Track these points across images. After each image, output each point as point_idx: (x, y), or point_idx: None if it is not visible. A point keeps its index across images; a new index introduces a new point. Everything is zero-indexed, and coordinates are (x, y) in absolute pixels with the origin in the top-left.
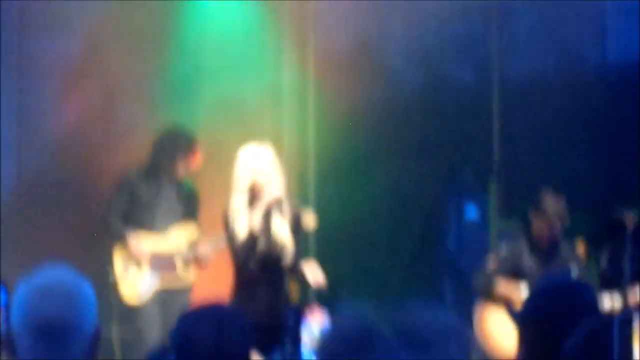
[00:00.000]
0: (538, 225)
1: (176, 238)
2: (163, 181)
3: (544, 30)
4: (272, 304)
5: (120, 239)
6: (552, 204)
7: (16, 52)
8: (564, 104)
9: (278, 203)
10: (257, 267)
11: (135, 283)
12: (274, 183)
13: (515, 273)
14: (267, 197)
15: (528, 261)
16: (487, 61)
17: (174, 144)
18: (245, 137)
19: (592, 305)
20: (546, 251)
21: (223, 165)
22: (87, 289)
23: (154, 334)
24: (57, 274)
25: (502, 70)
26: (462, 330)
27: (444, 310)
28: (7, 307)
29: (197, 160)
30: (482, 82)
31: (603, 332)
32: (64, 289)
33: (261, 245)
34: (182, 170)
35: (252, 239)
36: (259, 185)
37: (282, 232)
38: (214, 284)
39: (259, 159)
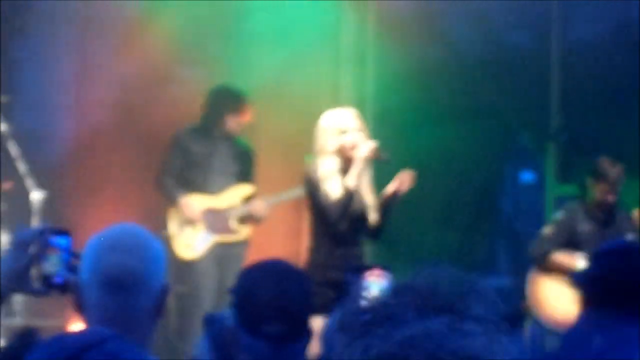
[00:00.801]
0: (595, 191)
1: (230, 195)
2: (215, 139)
3: None
4: (352, 262)
5: (174, 197)
6: (610, 170)
7: (76, 11)
8: (624, 68)
9: (368, 163)
10: (348, 226)
11: (189, 240)
12: (363, 143)
13: (571, 239)
14: (359, 157)
15: (584, 227)
16: (547, 24)
17: (223, 101)
18: (305, 97)
19: None
20: (602, 217)
21: (283, 123)
22: (156, 245)
23: (209, 288)
24: (127, 230)
25: (561, 34)
26: (486, 291)
27: (466, 273)
28: (74, 256)
29: (248, 117)
30: (541, 45)
31: None
32: (133, 243)
33: (355, 204)
34: (233, 126)
35: (348, 198)
36: (349, 146)
37: (370, 192)
38: (270, 241)
39: (346, 121)
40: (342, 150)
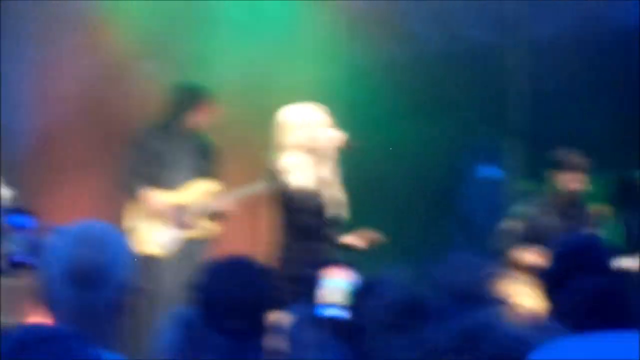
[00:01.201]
0: (558, 182)
1: (192, 191)
2: (176, 136)
3: None
4: (317, 257)
5: (137, 192)
6: (574, 162)
7: (39, 5)
8: (586, 64)
9: (335, 156)
10: (314, 220)
11: (150, 235)
12: (330, 137)
13: (534, 232)
14: (326, 151)
15: (547, 220)
16: (509, 21)
17: (183, 98)
18: (271, 93)
19: (601, 260)
20: (566, 210)
21: (250, 123)
22: (121, 240)
23: (172, 284)
24: (92, 225)
25: (523, 30)
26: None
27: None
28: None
29: (208, 114)
30: (503, 42)
31: (612, 290)
32: (97, 238)
33: (321, 198)
34: (193, 124)
35: (314, 192)
36: (317, 140)
37: (338, 186)
38: (233, 237)
39: (307, 115)
40: (306, 144)
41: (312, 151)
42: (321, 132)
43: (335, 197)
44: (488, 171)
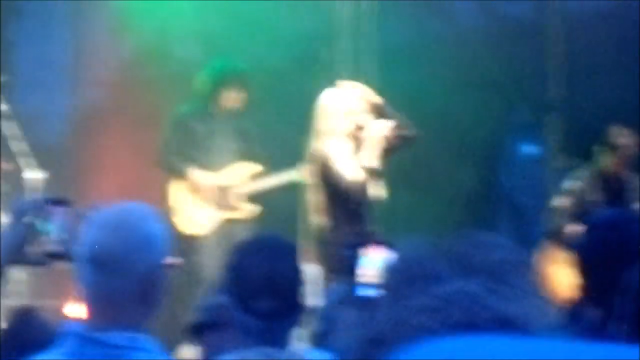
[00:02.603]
0: (606, 160)
1: (235, 173)
2: (216, 117)
3: None
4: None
5: (181, 171)
6: (622, 138)
7: None
8: (625, 38)
9: (382, 145)
10: (357, 205)
11: (193, 215)
12: (377, 124)
13: (582, 209)
14: (373, 135)
15: (593, 197)
16: None
17: (216, 76)
18: (303, 74)
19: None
20: (614, 187)
21: (283, 100)
22: (152, 226)
23: (213, 265)
24: (123, 209)
25: (561, 5)
26: (523, 260)
27: (503, 241)
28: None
29: (243, 91)
30: (541, 17)
31: None
32: (122, 223)
33: (366, 186)
34: (229, 102)
35: (360, 181)
36: (360, 126)
37: (381, 173)
38: (278, 220)
39: (352, 101)
40: (354, 132)
41: (358, 139)
42: (368, 120)
43: (377, 184)
44: (528, 148)
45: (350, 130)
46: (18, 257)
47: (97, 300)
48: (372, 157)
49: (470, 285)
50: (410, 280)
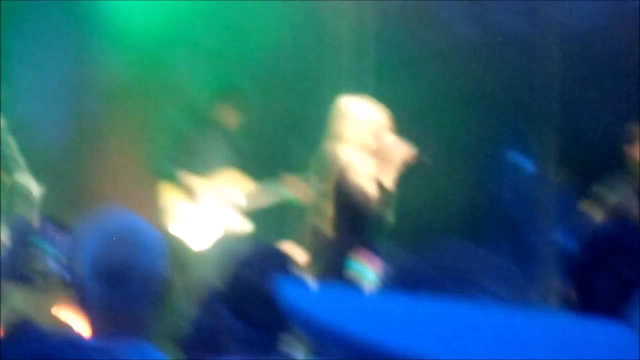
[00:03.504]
0: (635, 156)
1: (227, 183)
2: (212, 129)
3: None
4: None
5: (174, 182)
6: None
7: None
8: (624, 53)
9: (399, 167)
10: (364, 217)
11: (188, 225)
12: (401, 147)
13: (623, 218)
14: (398, 162)
15: (636, 204)
16: (545, 8)
17: (214, 91)
18: (305, 85)
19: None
20: None
21: (282, 113)
22: (154, 235)
23: (211, 279)
24: (123, 219)
25: (560, 18)
26: (510, 270)
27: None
28: (69, 250)
29: (239, 110)
30: (539, 30)
31: None
32: (129, 233)
33: (376, 200)
34: (224, 116)
35: (384, 200)
36: (384, 145)
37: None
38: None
39: (378, 118)
40: (379, 150)
41: (375, 153)
42: (389, 138)
43: (386, 200)
44: (526, 163)
45: (372, 144)
46: (16, 277)
47: (108, 314)
48: (390, 178)
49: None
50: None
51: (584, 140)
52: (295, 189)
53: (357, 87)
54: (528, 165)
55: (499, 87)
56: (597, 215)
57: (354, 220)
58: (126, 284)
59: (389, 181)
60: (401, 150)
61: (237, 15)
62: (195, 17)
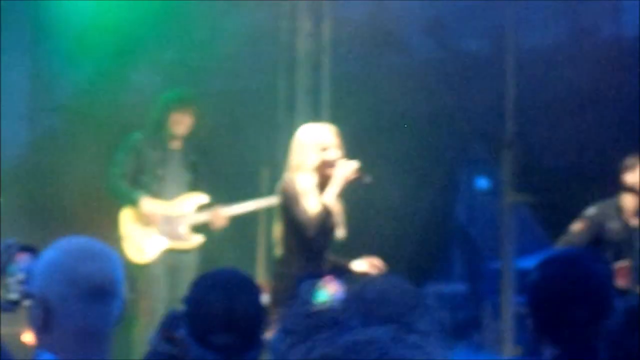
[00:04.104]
0: (627, 191)
1: (184, 203)
2: (168, 147)
3: (557, 0)
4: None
5: (130, 197)
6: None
7: (28, 15)
8: (578, 75)
9: (351, 179)
10: (323, 240)
11: (141, 243)
12: (345, 163)
13: (599, 236)
14: (340, 177)
15: (614, 224)
16: (501, 31)
17: (164, 102)
18: (258, 104)
19: (600, 279)
20: (632, 218)
21: (238, 135)
22: (115, 254)
23: (160, 296)
24: (88, 240)
25: (516, 41)
26: (433, 307)
27: (410, 284)
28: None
29: (190, 116)
30: (496, 52)
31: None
32: (102, 252)
33: (332, 219)
34: (175, 126)
35: (325, 215)
36: (330, 163)
37: (338, 206)
38: (221, 250)
39: (326, 137)
40: (322, 167)
41: (324, 174)
42: (335, 156)
43: (337, 219)
44: (482, 183)
45: (319, 164)
46: None
47: (83, 332)
48: (334, 195)
49: (376, 333)
50: (321, 328)
51: (541, 160)
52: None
53: (313, 105)
54: (489, 186)
55: (460, 109)
56: (577, 228)
57: (305, 243)
58: (106, 301)
59: (332, 199)
60: (347, 169)
61: (194, 25)
62: (151, 28)
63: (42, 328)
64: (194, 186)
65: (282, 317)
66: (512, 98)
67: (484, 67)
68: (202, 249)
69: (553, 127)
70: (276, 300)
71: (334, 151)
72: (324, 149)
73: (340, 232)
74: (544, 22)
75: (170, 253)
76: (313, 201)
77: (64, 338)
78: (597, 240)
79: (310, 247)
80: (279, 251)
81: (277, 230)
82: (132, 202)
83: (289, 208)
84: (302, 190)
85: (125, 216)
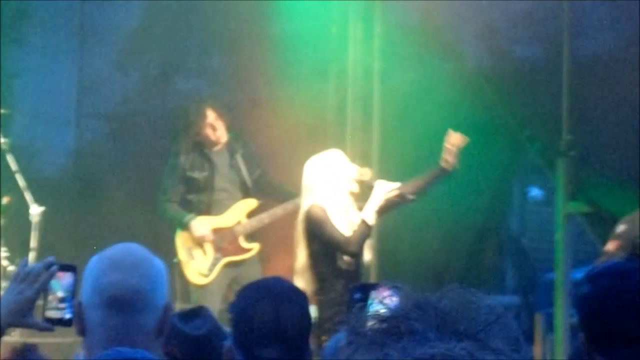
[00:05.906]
0: None
1: (235, 212)
2: (211, 156)
3: (615, 5)
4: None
5: (181, 220)
6: None
7: (75, 21)
8: (636, 83)
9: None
10: (356, 259)
11: (200, 266)
12: (385, 184)
13: (633, 252)
14: (379, 192)
15: None
16: (557, 38)
17: (189, 111)
18: (310, 113)
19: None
20: None
21: (290, 136)
22: (157, 263)
23: (216, 308)
24: (127, 248)
25: (572, 47)
26: (509, 323)
27: (489, 298)
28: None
29: (218, 118)
30: (551, 59)
31: None
32: (133, 262)
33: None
34: (209, 132)
35: (366, 234)
36: (364, 182)
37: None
38: (283, 256)
39: (345, 160)
40: (352, 188)
41: (343, 196)
42: (370, 176)
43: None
44: (536, 193)
45: (339, 189)
46: (21, 320)
47: (113, 341)
48: (372, 212)
49: (453, 349)
50: (396, 336)
51: (596, 169)
52: None
53: (363, 111)
54: (543, 196)
55: (514, 117)
56: (611, 247)
57: (338, 268)
58: (129, 311)
59: (370, 216)
60: (385, 187)
61: (241, 31)
62: (198, 34)
63: (80, 332)
64: (245, 186)
65: (347, 319)
66: (567, 105)
67: (538, 73)
68: (258, 257)
69: (609, 136)
70: (322, 330)
71: (363, 171)
72: (349, 172)
73: (367, 255)
74: (601, 27)
75: (230, 267)
76: (345, 223)
77: (94, 344)
78: (633, 255)
79: (341, 270)
80: (300, 283)
81: (301, 260)
82: (183, 226)
83: (320, 233)
84: (334, 213)
85: (180, 240)
